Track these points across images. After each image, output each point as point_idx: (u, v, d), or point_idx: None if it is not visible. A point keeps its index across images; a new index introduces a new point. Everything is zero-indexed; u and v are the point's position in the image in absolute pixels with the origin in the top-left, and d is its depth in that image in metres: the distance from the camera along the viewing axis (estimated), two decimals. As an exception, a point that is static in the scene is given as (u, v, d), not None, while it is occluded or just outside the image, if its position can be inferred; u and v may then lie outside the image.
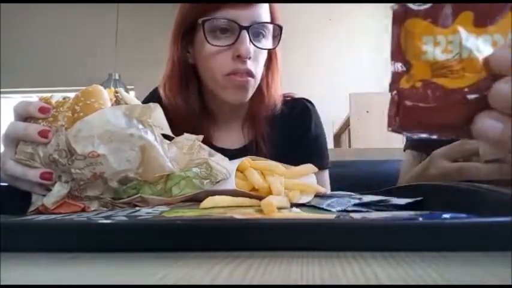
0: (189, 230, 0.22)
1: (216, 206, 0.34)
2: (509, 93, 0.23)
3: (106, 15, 3.43)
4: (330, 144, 2.44)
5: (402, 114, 0.26)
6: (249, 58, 0.63)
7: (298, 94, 0.81)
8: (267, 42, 0.66)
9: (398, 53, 0.27)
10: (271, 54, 0.71)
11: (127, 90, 0.43)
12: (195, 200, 0.38)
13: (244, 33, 0.62)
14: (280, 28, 0.66)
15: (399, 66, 0.26)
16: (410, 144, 0.75)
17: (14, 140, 0.39)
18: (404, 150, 0.79)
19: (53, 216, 0.32)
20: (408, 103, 0.25)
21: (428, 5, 0.26)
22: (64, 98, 0.40)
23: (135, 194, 0.39)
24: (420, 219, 0.25)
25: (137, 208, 0.36)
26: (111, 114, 0.37)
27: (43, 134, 0.37)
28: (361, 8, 3.15)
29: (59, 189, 0.38)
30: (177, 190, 0.39)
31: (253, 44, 0.63)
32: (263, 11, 0.65)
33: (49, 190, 0.38)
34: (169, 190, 0.39)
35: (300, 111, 0.77)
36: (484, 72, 0.24)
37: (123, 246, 0.22)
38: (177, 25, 0.67)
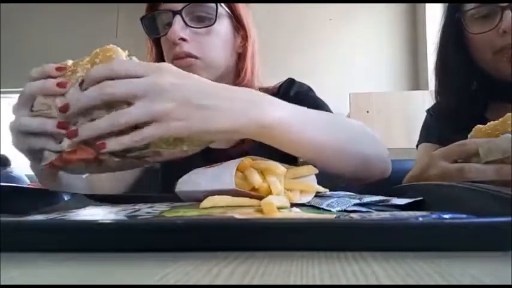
0: (189, 230, 0.22)
1: (215, 206, 0.34)
2: None
3: (106, 15, 3.43)
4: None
5: None
6: (184, 40, 0.65)
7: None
8: (212, 23, 0.68)
9: None
10: (242, 38, 0.73)
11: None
12: (195, 200, 0.38)
13: (177, 17, 0.64)
14: (216, 5, 0.68)
15: None
16: (432, 138, 0.75)
17: (30, 98, 0.39)
18: (417, 146, 0.79)
19: (53, 216, 0.32)
20: None
21: None
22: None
23: (146, 148, 0.39)
24: (420, 219, 0.25)
25: (137, 208, 0.36)
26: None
27: (61, 85, 0.38)
28: (361, 7, 3.15)
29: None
30: (186, 147, 0.41)
31: (189, 26, 0.66)
32: None
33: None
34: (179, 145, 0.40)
35: (285, 90, 0.77)
36: None
37: (123, 246, 0.22)
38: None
